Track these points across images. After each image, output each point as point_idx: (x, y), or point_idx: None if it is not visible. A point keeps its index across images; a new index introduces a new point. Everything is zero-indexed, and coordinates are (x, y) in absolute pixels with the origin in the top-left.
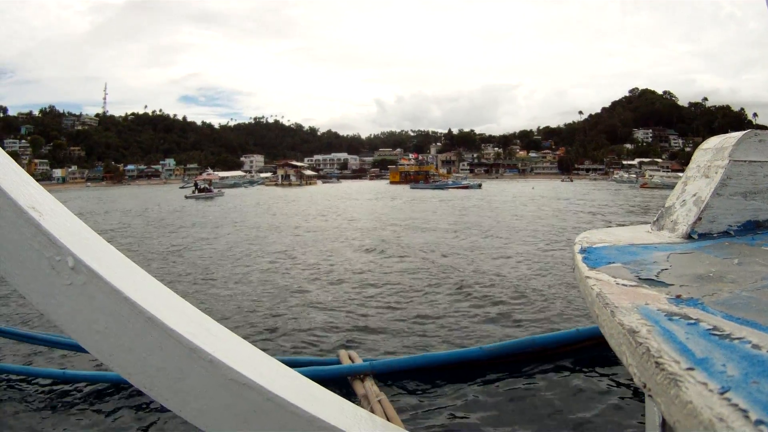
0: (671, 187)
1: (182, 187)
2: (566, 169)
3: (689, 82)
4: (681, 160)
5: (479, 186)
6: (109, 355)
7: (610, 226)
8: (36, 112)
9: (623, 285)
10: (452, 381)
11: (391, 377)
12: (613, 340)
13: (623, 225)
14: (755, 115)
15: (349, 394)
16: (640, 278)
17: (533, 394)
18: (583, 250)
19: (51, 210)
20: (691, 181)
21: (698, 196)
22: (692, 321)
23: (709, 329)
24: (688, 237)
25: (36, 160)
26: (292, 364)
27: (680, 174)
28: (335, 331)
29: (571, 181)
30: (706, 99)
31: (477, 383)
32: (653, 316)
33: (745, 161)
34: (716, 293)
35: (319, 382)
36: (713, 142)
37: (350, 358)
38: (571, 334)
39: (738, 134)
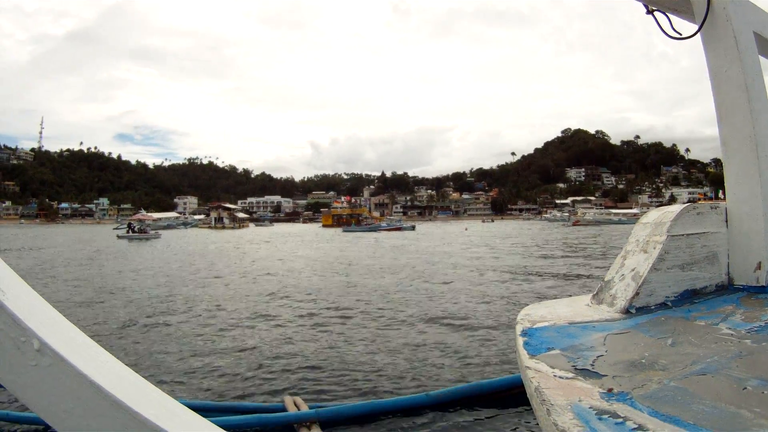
0: (604, 223)
1: (116, 228)
2: (500, 209)
3: (623, 120)
4: (614, 197)
5: (413, 228)
6: None
7: (551, 298)
8: None
9: (560, 378)
10: (399, 428)
11: (337, 424)
12: None
13: (564, 293)
14: (687, 150)
15: None
16: (576, 368)
17: None
18: (524, 333)
19: (14, 289)
20: (630, 255)
21: (636, 271)
22: (620, 420)
23: (635, 429)
24: (626, 312)
25: None
26: (237, 411)
27: (612, 210)
28: (281, 376)
29: (492, 221)
30: (638, 137)
31: (424, 430)
32: (585, 415)
33: (683, 235)
34: (646, 384)
35: (265, 430)
36: (652, 216)
37: (296, 404)
38: (517, 378)
39: (677, 208)
